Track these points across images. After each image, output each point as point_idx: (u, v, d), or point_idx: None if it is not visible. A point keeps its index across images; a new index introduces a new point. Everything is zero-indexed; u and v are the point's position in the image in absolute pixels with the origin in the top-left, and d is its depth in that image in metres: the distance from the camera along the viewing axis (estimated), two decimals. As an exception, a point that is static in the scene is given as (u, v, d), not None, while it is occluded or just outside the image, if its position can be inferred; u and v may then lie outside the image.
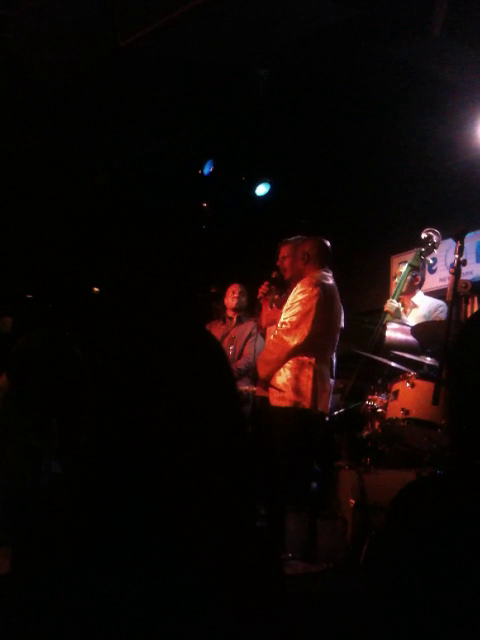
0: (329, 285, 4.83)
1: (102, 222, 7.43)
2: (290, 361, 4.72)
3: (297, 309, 4.71)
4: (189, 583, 1.22)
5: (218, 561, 1.25)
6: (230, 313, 6.41)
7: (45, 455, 2.83)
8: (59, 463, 2.82)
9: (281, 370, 4.74)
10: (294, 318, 4.71)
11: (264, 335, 5.40)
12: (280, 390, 4.72)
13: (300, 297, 4.74)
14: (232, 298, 6.41)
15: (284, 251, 5.23)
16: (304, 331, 4.68)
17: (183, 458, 1.29)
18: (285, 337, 4.72)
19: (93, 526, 1.26)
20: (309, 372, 4.68)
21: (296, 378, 4.68)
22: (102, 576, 1.23)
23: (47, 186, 6.87)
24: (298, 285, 4.82)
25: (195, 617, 1.20)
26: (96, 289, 7.62)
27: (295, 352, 4.71)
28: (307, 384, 4.66)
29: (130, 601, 1.20)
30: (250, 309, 6.26)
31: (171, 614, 1.20)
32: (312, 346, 4.72)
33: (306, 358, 4.71)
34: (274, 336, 4.81)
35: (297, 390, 4.67)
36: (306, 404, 4.64)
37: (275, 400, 4.74)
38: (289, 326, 4.71)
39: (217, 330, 6.21)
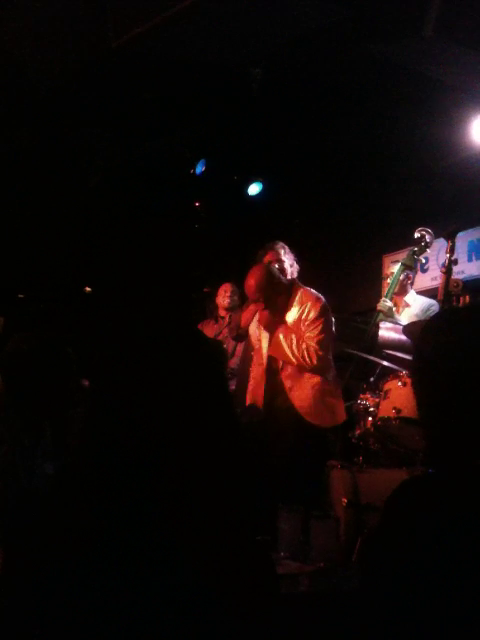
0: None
1: (95, 222, 7.42)
2: (316, 381, 4.74)
3: (320, 330, 4.72)
4: (183, 583, 1.22)
5: (212, 561, 1.25)
6: (222, 312, 6.41)
7: (38, 456, 2.83)
8: (52, 464, 2.81)
9: (315, 392, 4.74)
10: (321, 341, 4.71)
11: (243, 335, 5.35)
12: (315, 408, 4.73)
13: (322, 318, 4.75)
14: (224, 297, 6.41)
15: (270, 256, 5.22)
16: (328, 356, 4.76)
17: (177, 457, 1.30)
18: (310, 355, 4.70)
19: (88, 527, 1.26)
20: (336, 391, 4.80)
21: (327, 398, 4.75)
22: (96, 577, 1.23)
23: (39, 186, 6.86)
24: (307, 302, 4.80)
25: (190, 617, 1.20)
26: (88, 289, 7.61)
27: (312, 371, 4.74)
28: (335, 404, 4.77)
29: (124, 601, 1.20)
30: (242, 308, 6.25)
31: (165, 614, 1.20)
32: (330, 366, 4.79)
33: (327, 383, 4.77)
34: (307, 347, 4.73)
35: (332, 410, 4.75)
36: (335, 422, 4.76)
37: (311, 417, 4.73)
38: (318, 348, 4.70)
39: (209, 329, 6.21)
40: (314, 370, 4.73)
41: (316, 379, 4.74)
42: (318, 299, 4.80)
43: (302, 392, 4.74)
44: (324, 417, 4.73)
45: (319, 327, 4.73)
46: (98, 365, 1.39)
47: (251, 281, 4.78)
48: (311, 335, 4.72)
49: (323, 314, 4.75)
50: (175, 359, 1.36)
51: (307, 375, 4.74)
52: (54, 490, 1.38)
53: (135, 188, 7.30)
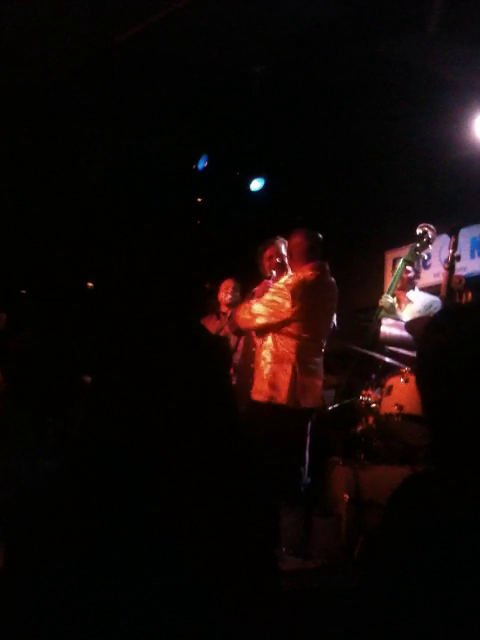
0: (315, 281, 4.83)
1: (97, 218, 7.41)
2: (270, 356, 4.75)
3: (265, 298, 4.82)
4: (185, 581, 1.22)
5: (213, 560, 1.25)
6: (224, 308, 6.41)
7: (41, 454, 2.83)
8: (55, 462, 2.81)
9: (263, 365, 4.77)
10: (255, 305, 4.84)
11: (240, 331, 5.43)
12: (259, 385, 4.77)
13: (271, 291, 4.83)
14: (226, 294, 6.40)
15: (270, 252, 5.25)
16: (251, 319, 4.84)
17: (178, 456, 1.29)
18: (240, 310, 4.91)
19: (88, 526, 1.26)
20: (287, 368, 4.69)
21: (273, 374, 4.71)
22: (96, 576, 1.23)
23: (41, 183, 6.85)
24: (279, 279, 4.91)
25: (191, 615, 1.20)
26: (90, 284, 7.60)
27: (259, 331, 4.88)
28: (284, 379, 4.67)
29: (124, 600, 1.20)
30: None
31: (166, 614, 1.20)
32: (298, 341, 4.74)
33: (286, 353, 4.73)
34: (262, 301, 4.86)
35: (273, 385, 4.69)
36: (281, 399, 4.65)
37: (254, 394, 4.78)
38: (248, 306, 4.87)
39: (211, 325, 6.20)
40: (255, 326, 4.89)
41: (273, 356, 4.79)
42: (291, 276, 4.87)
43: (263, 371, 4.80)
44: (277, 392, 4.71)
45: (272, 295, 4.81)
46: (98, 363, 1.39)
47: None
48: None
49: (282, 285, 4.81)
50: (175, 358, 1.35)
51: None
52: (55, 489, 1.38)
53: (137, 185, 7.29)
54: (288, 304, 4.70)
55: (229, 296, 6.36)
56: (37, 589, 1.24)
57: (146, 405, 1.30)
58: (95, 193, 7.25)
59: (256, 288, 5.27)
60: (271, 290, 4.85)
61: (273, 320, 4.75)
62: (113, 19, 4.89)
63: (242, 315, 4.94)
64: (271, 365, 4.72)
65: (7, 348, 2.98)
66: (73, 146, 6.64)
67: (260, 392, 4.73)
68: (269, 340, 4.81)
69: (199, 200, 7.49)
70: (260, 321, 4.81)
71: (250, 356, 5.30)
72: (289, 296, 4.71)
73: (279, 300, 4.74)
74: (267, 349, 4.80)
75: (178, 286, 7.03)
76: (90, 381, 1.42)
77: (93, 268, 7.45)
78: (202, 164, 7.06)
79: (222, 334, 6.09)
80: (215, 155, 7.02)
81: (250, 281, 5.49)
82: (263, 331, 4.87)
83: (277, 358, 4.73)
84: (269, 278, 5.16)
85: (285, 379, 4.67)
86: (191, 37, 5.12)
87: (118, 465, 1.29)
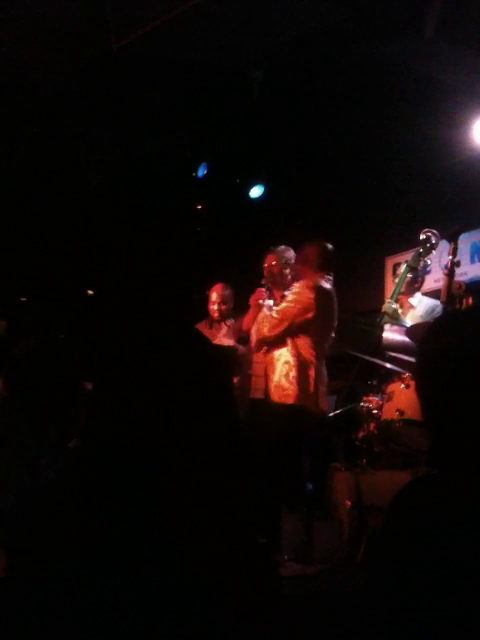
0: (327, 289, 4.95)
1: (97, 225, 7.42)
2: (293, 358, 4.83)
3: (284, 305, 4.91)
4: (184, 584, 1.22)
5: (214, 563, 1.24)
6: (215, 315, 6.28)
7: (42, 459, 2.82)
8: (56, 467, 2.81)
9: (285, 367, 4.84)
10: (278, 315, 4.90)
11: (245, 338, 5.45)
12: (284, 388, 4.82)
13: (291, 297, 4.92)
14: (216, 301, 6.29)
15: (271, 259, 5.28)
16: (278, 328, 4.86)
17: (178, 458, 1.29)
18: (264, 324, 4.94)
19: (89, 527, 1.26)
20: (312, 372, 4.81)
21: (300, 378, 4.79)
22: (97, 577, 1.22)
23: (41, 188, 6.86)
24: (295, 285, 4.97)
25: (190, 617, 1.20)
26: (90, 292, 7.60)
27: (268, 344, 4.96)
28: (309, 383, 4.79)
29: (124, 601, 1.20)
30: (237, 310, 6.18)
31: (166, 615, 1.20)
32: (315, 345, 4.86)
33: (309, 357, 4.83)
34: (265, 318, 4.97)
35: (303, 388, 4.77)
36: (310, 404, 4.76)
37: (278, 397, 4.83)
38: (275, 316, 4.90)
39: (205, 331, 6.16)
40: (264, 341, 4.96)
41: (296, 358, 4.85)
42: (300, 285, 4.94)
43: (288, 373, 4.87)
44: (306, 396, 4.79)
45: (281, 305, 4.93)
46: (99, 365, 1.39)
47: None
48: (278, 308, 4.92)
49: (293, 296, 4.91)
50: (176, 359, 1.35)
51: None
52: (56, 490, 1.38)
53: (136, 191, 7.30)
54: (312, 305, 4.82)
55: (220, 304, 6.27)
56: (38, 589, 1.24)
57: (147, 406, 1.30)
58: (94, 199, 7.25)
59: (251, 299, 5.28)
60: (292, 294, 4.94)
61: (296, 321, 4.85)
62: (114, 23, 4.90)
63: (270, 325, 4.96)
64: (297, 370, 4.81)
65: (8, 354, 2.98)
66: (73, 151, 6.65)
67: (288, 396, 4.81)
68: (290, 346, 4.89)
69: (199, 207, 7.49)
70: (285, 321, 4.89)
71: (248, 363, 5.31)
72: (313, 299, 4.82)
73: (304, 303, 4.85)
74: (290, 355, 4.87)
75: (178, 291, 7.04)
76: (91, 386, 1.42)
77: (93, 274, 7.46)
78: (202, 171, 7.07)
79: (217, 342, 6.05)
80: (215, 162, 7.04)
81: (245, 288, 5.50)
82: (280, 339, 4.92)
83: (302, 363, 4.83)
84: (263, 286, 5.20)
85: (310, 383, 4.80)
86: (190, 42, 5.13)
87: (119, 466, 1.29)
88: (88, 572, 1.22)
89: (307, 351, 4.84)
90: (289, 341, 4.89)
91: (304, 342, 4.86)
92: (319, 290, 4.87)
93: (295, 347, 4.87)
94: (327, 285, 4.97)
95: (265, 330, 4.91)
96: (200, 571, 1.23)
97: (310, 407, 4.76)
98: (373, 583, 1.41)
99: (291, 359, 4.84)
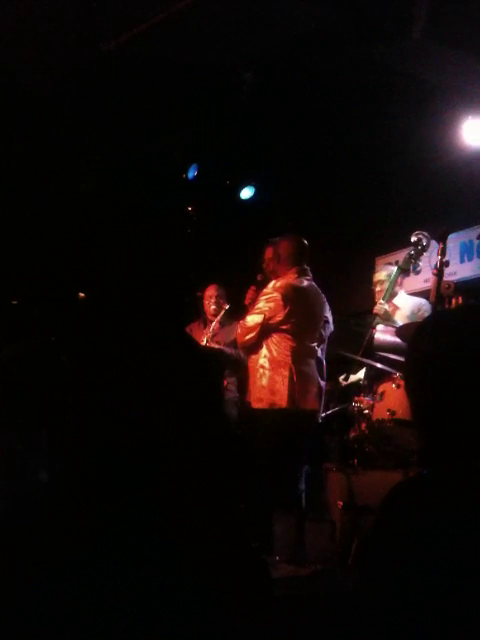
0: (299, 286, 4.92)
1: (88, 227, 7.40)
2: (268, 363, 4.81)
3: (254, 312, 4.89)
4: (182, 584, 1.22)
5: (211, 561, 1.25)
6: (210, 317, 6.31)
7: (32, 464, 2.81)
8: (46, 472, 2.80)
9: (260, 371, 4.84)
10: (248, 323, 4.89)
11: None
12: (259, 392, 4.83)
13: (262, 298, 4.89)
14: (209, 302, 6.32)
15: (269, 253, 5.26)
16: (248, 336, 4.86)
17: (176, 458, 1.29)
18: (238, 329, 4.98)
19: (87, 527, 1.26)
20: (285, 372, 4.76)
21: (271, 379, 4.78)
22: (95, 577, 1.22)
23: (31, 191, 6.84)
24: (268, 286, 4.95)
25: (188, 617, 1.20)
26: (82, 295, 7.58)
27: (245, 349, 5.01)
28: (283, 383, 4.74)
29: (122, 601, 1.20)
30: (232, 312, 6.18)
31: (164, 615, 1.20)
32: (294, 345, 4.82)
33: (282, 358, 4.79)
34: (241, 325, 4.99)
35: (272, 390, 4.75)
36: (282, 403, 4.71)
37: (254, 403, 4.85)
38: (247, 323, 4.90)
39: (198, 332, 6.16)
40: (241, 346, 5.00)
41: (270, 362, 4.85)
42: (270, 286, 4.92)
43: (262, 380, 4.87)
44: (277, 397, 4.77)
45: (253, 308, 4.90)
46: (96, 366, 1.39)
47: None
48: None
49: (263, 297, 4.88)
50: (172, 360, 1.36)
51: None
52: (54, 491, 1.38)
53: (127, 193, 7.29)
54: (281, 306, 4.78)
55: (213, 306, 6.28)
56: (37, 590, 1.24)
57: (144, 407, 1.30)
58: (86, 201, 7.24)
59: (246, 299, 5.29)
60: (261, 297, 4.88)
61: (269, 323, 4.81)
62: (105, 24, 4.89)
63: (241, 332, 4.97)
64: (269, 371, 4.78)
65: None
66: (64, 154, 6.63)
67: (260, 400, 4.79)
68: (264, 349, 4.87)
69: (190, 208, 7.49)
70: (255, 327, 4.87)
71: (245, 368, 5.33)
72: (280, 299, 4.78)
73: (271, 304, 4.81)
74: (264, 358, 4.86)
75: (169, 293, 7.03)
76: (84, 385, 1.41)
77: (86, 276, 7.44)
78: (192, 173, 7.07)
79: (210, 345, 6.04)
80: (205, 163, 7.03)
81: (238, 288, 5.51)
82: (257, 344, 4.90)
83: (274, 364, 4.80)
84: (256, 283, 5.20)
85: (284, 382, 4.74)
86: (180, 45, 5.13)
87: (116, 467, 1.29)
88: (86, 572, 1.22)
89: (283, 352, 4.80)
90: (264, 344, 4.88)
91: (281, 343, 4.83)
92: (288, 288, 4.85)
93: (270, 351, 4.85)
94: (301, 281, 4.95)
95: (239, 338, 4.95)
96: (197, 570, 1.23)
97: (284, 407, 4.71)
98: (364, 583, 1.42)
99: (266, 363, 4.82)
